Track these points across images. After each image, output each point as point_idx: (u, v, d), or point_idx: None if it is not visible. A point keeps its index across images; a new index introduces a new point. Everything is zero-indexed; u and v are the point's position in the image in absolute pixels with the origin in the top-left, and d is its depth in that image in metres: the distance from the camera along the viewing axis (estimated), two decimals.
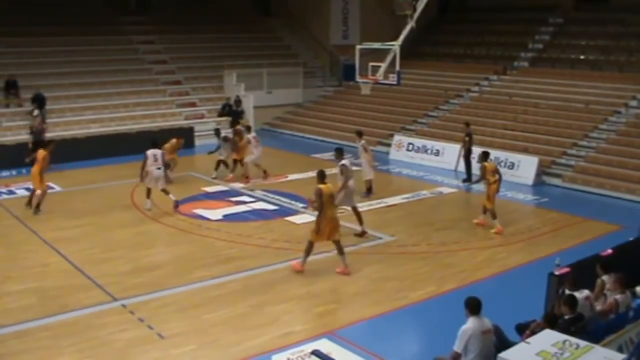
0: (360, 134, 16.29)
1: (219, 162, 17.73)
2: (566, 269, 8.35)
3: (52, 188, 16.72)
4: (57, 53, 24.01)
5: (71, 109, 22.39)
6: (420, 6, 16.95)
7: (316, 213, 10.98)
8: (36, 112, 20.18)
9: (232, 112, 24.38)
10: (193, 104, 25.11)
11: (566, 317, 7.11)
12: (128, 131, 21.61)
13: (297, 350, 8.26)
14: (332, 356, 7.87)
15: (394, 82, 17.53)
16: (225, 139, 17.74)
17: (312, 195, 11.00)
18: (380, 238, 13.02)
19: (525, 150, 18.89)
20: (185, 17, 28.44)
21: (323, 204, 10.73)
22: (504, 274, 11.20)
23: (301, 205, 14.95)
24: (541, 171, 17.89)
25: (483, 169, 13.49)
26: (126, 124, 22.46)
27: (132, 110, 23.32)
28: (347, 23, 29.72)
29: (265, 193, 16.34)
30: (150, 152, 14.61)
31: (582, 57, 23.63)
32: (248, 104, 25.03)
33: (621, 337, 6.82)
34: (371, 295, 10.21)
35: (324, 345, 8.31)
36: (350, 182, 12.98)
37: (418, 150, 20.82)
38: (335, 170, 13.52)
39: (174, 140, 17.76)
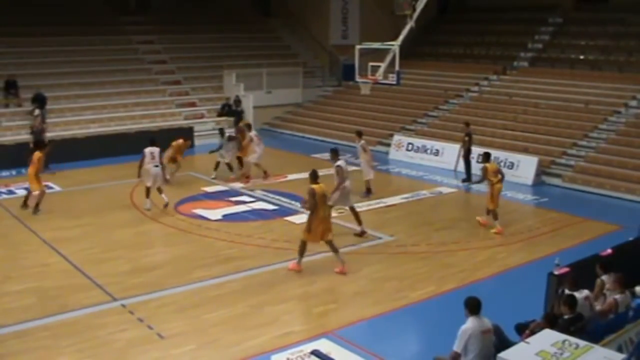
0: (360, 134, 16.29)
1: (218, 163, 17.73)
2: (566, 269, 8.35)
3: (51, 188, 16.75)
4: (57, 53, 24.01)
5: (71, 109, 22.40)
6: (419, 6, 16.95)
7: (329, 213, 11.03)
8: (37, 111, 20.17)
9: (232, 112, 24.42)
10: (193, 104, 25.11)
11: (566, 317, 7.11)
12: (127, 131, 21.61)
13: (297, 350, 8.26)
14: (332, 356, 7.87)
15: (394, 82, 17.52)
16: (230, 138, 17.74)
17: (306, 195, 11.02)
18: (379, 238, 13.02)
19: (525, 150, 18.89)
20: (185, 17, 28.43)
21: (316, 203, 10.74)
22: (504, 274, 11.20)
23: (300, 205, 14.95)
24: (541, 171, 17.89)
25: (484, 170, 13.46)
26: (126, 124, 22.46)
27: (131, 110, 23.32)
28: (346, 23, 29.72)
29: (265, 193, 16.34)
30: (148, 150, 14.64)
31: (582, 57, 23.63)
32: (248, 104, 25.04)
33: (621, 337, 6.82)
34: (371, 295, 10.21)
35: (324, 345, 8.31)
36: (347, 183, 12.95)
37: (418, 150, 20.82)
38: (332, 171, 13.50)
39: (180, 141, 17.68)
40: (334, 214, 13.29)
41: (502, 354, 6.05)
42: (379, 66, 17.19)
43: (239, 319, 9.34)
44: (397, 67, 17.05)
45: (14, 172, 18.16)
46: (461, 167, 18.35)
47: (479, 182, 14.03)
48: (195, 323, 9.16)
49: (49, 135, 19.66)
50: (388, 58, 16.97)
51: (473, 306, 6.71)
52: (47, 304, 9.75)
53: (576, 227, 13.79)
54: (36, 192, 14.48)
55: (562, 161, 18.47)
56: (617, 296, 7.84)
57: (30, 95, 21.17)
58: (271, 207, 15.20)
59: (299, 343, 8.48)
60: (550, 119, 20.46)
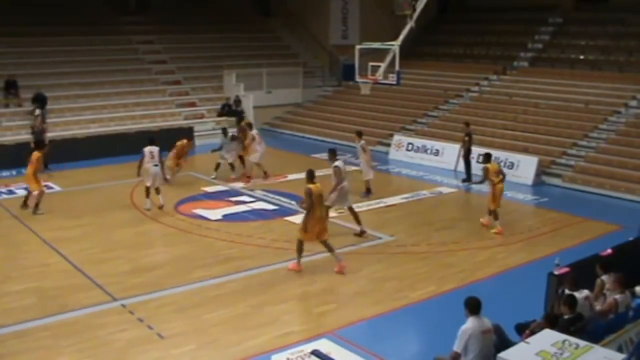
0: (359, 134, 16.29)
1: (218, 164, 17.71)
2: (566, 269, 8.35)
3: (51, 188, 16.76)
4: (57, 53, 24.02)
5: (71, 109, 22.40)
6: (419, 6, 16.93)
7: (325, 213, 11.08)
8: (37, 111, 20.17)
9: (232, 112, 24.43)
10: (193, 104, 25.12)
11: (566, 317, 7.11)
12: (127, 131, 21.61)
13: (297, 350, 8.26)
14: (332, 356, 7.87)
15: (394, 82, 17.51)
16: (233, 137, 17.75)
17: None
18: (379, 238, 13.02)
19: (525, 150, 18.89)
20: (185, 17, 28.43)
21: (312, 203, 10.75)
22: (504, 274, 11.19)
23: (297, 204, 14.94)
24: (541, 171, 17.89)
25: (486, 171, 13.43)
26: (126, 124, 22.47)
27: (131, 110, 23.33)
28: (346, 23, 29.71)
29: (265, 193, 16.34)
30: (147, 149, 14.66)
31: (582, 57, 23.62)
32: (248, 104, 25.04)
33: (621, 336, 6.82)
34: (371, 295, 10.21)
35: (324, 345, 8.31)
36: (344, 183, 12.93)
37: (418, 150, 20.82)
38: (331, 171, 13.48)
39: (184, 141, 17.65)
40: (333, 214, 13.33)
41: (502, 354, 6.05)
42: (379, 66, 17.18)
43: (239, 319, 9.34)
44: (397, 67, 17.03)
45: (14, 172, 18.15)
46: (461, 167, 18.35)
47: (480, 182, 14.00)
48: (195, 323, 9.17)
49: (49, 135, 19.67)
50: (388, 58, 16.97)
51: (473, 306, 6.71)
52: (47, 304, 9.75)
53: (576, 227, 13.79)
54: (35, 192, 14.48)
55: (562, 161, 18.46)
56: (617, 296, 7.85)
57: (31, 95, 21.18)
58: (271, 207, 15.20)
59: (299, 343, 8.48)
60: (550, 119, 20.46)
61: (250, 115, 24.51)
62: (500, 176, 13.33)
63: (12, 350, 8.40)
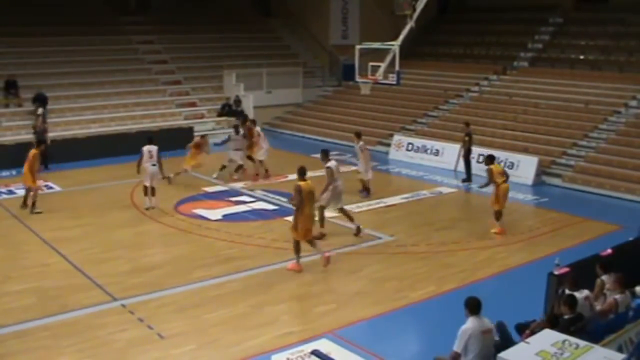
0: (358, 136, 16.29)
1: (224, 166, 17.70)
2: (566, 269, 8.35)
3: (51, 188, 16.78)
4: (57, 53, 24.02)
5: (71, 109, 22.41)
6: (419, 6, 16.95)
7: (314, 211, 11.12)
8: (40, 110, 20.17)
9: (232, 112, 24.44)
10: (193, 104, 25.12)
11: (566, 317, 7.11)
12: (128, 131, 21.61)
13: (297, 350, 8.26)
14: (332, 356, 7.87)
15: (394, 82, 17.52)
16: (245, 135, 17.81)
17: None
18: (379, 238, 13.02)
19: (525, 150, 18.89)
20: (185, 17, 28.43)
21: (302, 200, 10.79)
22: (504, 274, 11.19)
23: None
24: (541, 171, 17.89)
25: (490, 172, 13.37)
26: (126, 124, 22.47)
27: (131, 110, 23.33)
28: (346, 23, 29.71)
29: (265, 193, 16.34)
30: (146, 149, 14.69)
31: (582, 57, 23.62)
32: (248, 104, 25.03)
33: (621, 337, 6.82)
34: (371, 295, 10.20)
35: (324, 345, 8.31)
36: (339, 183, 12.96)
37: (418, 150, 20.83)
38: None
39: (197, 139, 17.62)
40: (332, 214, 13.33)
41: (502, 354, 6.05)
42: (379, 66, 17.20)
43: (239, 319, 9.34)
44: (397, 67, 17.05)
45: (14, 172, 18.14)
46: (461, 167, 18.35)
47: (486, 185, 13.84)
48: (195, 323, 9.17)
49: (49, 135, 19.64)
50: (388, 58, 16.98)
51: (473, 306, 6.71)
52: (47, 304, 9.75)
53: (576, 227, 13.79)
54: (31, 193, 14.50)
55: (562, 161, 18.47)
56: (617, 296, 7.84)
57: (31, 95, 21.19)
58: (271, 207, 15.20)
59: (299, 343, 8.48)
60: (550, 119, 20.46)
61: (250, 115, 24.44)
62: (504, 177, 13.32)
63: (12, 350, 8.40)
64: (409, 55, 25.57)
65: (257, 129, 18.11)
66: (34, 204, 14.50)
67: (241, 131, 17.84)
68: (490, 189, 13.48)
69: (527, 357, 5.93)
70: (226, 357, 8.31)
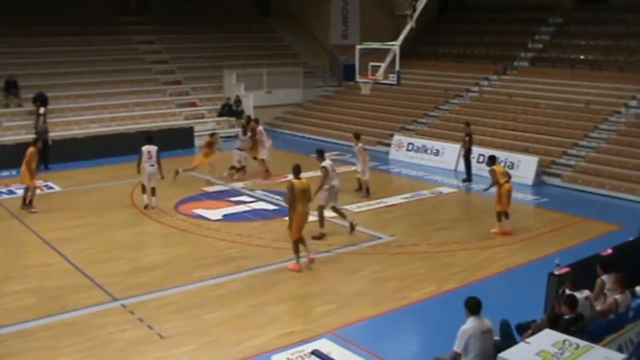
0: (357, 137, 16.30)
1: (234, 166, 17.71)
2: (566, 269, 8.35)
3: (51, 188, 16.78)
4: (57, 53, 24.02)
5: (71, 109, 22.42)
6: (420, 6, 16.94)
7: (308, 209, 11.17)
8: (42, 109, 20.17)
9: (232, 112, 24.45)
10: (193, 104, 25.12)
11: (566, 317, 7.11)
12: (128, 131, 21.60)
13: (297, 350, 8.25)
14: (332, 356, 7.88)
15: (394, 82, 17.51)
16: (250, 136, 17.83)
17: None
18: (380, 238, 13.02)
19: (525, 150, 18.89)
20: (185, 17, 28.43)
21: (294, 197, 10.83)
22: (504, 274, 11.19)
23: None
24: (541, 171, 17.89)
25: (493, 173, 13.33)
26: (126, 124, 22.48)
27: (131, 110, 23.34)
28: (346, 23, 29.69)
29: (265, 193, 16.34)
30: (145, 148, 14.66)
31: (582, 57, 23.61)
32: (248, 104, 25.03)
33: (621, 337, 6.81)
34: (371, 295, 10.20)
35: (324, 345, 8.31)
36: (335, 182, 12.99)
37: (418, 150, 20.82)
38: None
39: (208, 139, 17.50)
40: (332, 214, 13.33)
41: (502, 354, 6.05)
42: (379, 66, 17.19)
43: (239, 319, 9.34)
44: (397, 67, 17.04)
45: (14, 172, 18.03)
46: (461, 167, 18.35)
47: (491, 186, 13.76)
48: (195, 323, 9.17)
49: (50, 135, 19.63)
50: (388, 58, 16.98)
51: (473, 306, 6.71)
52: (47, 304, 9.74)
53: (576, 227, 13.79)
54: (29, 193, 14.51)
55: (562, 161, 18.46)
56: (618, 296, 7.84)
57: (31, 95, 21.18)
58: (271, 207, 15.19)
59: (299, 343, 8.47)
60: (550, 119, 20.46)
61: (250, 116, 24.52)
62: (507, 177, 13.30)
63: (13, 350, 8.40)
64: (409, 55, 25.53)
65: (260, 128, 18.19)
66: (30, 202, 14.53)
67: (249, 133, 17.86)
68: (493, 189, 13.46)
69: (528, 357, 5.93)
70: (226, 357, 8.31)
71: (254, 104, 25.16)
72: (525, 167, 17.80)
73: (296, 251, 11.07)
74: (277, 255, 11.80)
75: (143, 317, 9.32)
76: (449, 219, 14.54)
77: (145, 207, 14.67)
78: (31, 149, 14.58)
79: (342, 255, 11.98)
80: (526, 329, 7.28)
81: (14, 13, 24.40)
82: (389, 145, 21.84)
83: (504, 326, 7.25)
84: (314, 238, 12.53)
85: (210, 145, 17.30)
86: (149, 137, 15.22)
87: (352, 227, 13.05)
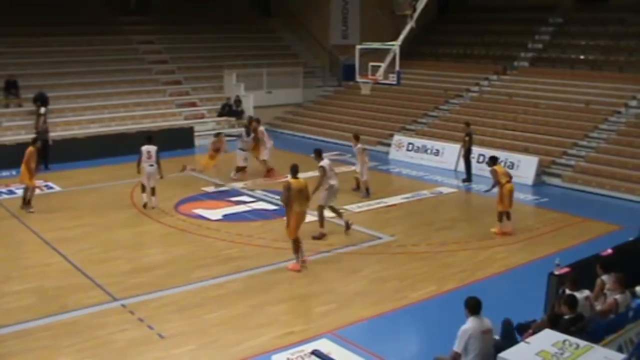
0: (357, 138, 16.30)
1: (238, 167, 17.71)
2: (566, 269, 8.35)
3: (51, 188, 16.78)
4: (58, 53, 24.02)
5: (71, 109, 22.42)
6: (420, 6, 16.95)
7: (305, 209, 11.20)
8: (43, 109, 20.17)
9: (232, 112, 24.45)
10: (193, 104, 25.12)
11: (566, 317, 7.11)
12: (128, 131, 21.60)
13: (297, 350, 8.26)
14: (332, 356, 7.88)
15: (394, 82, 17.52)
16: (253, 137, 17.84)
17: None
18: (380, 238, 13.01)
19: (525, 150, 18.88)
20: (185, 17, 28.43)
21: (289, 197, 10.87)
22: (504, 274, 11.19)
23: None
24: (541, 171, 17.88)
25: (495, 173, 13.31)
26: (126, 124, 22.48)
27: (132, 110, 23.34)
28: (346, 23, 29.69)
29: (265, 193, 16.34)
30: (144, 148, 14.65)
31: (582, 57, 23.61)
32: (248, 104, 25.04)
33: (621, 337, 6.81)
34: (371, 295, 10.20)
35: (324, 345, 8.31)
36: (334, 182, 13.00)
37: (418, 150, 20.82)
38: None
39: (214, 140, 17.28)
40: (332, 214, 13.33)
41: (502, 354, 6.05)
42: (379, 66, 17.20)
43: (239, 319, 9.34)
44: (397, 67, 17.05)
45: (14, 172, 18.02)
46: (461, 167, 18.34)
47: (493, 187, 13.72)
48: (195, 323, 9.17)
49: (50, 135, 19.64)
50: (388, 58, 16.98)
51: (473, 306, 6.71)
52: (47, 304, 9.75)
53: (576, 227, 13.78)
54: (28, 193, 14.51)
55: (563, 161, 18.46)
56: (618, 296, 7.84)
57: (31, 95, 21.18)
58: (271, 207, 15.19)
59: (300, 343, 8.47)
60: (550, 119, 20.46)
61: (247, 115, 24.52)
62: (508, 177, 13.30)
63: (13, 350, 8.40)
64: (409, 55, 25.52)
65: (262, 128, 18.21)
66: (29, 201, 14.52)
67: (252, 134, 17.85)
68: (495, 190, 13.45)
69: (528, 357, 5.93)
70: (226, 357, 8.31)
71: (254, 104, 25.17)
72: (525, 167, 17.80)
73: (296, 251, 11.08)
74: (277, 255, 11.80)
75: (143, 317, 9.32)
76: (449, 219, 14.54)
77: (144, 206, 14.69)
78: (30, 149, 14.59)
79: (342, 255, 11.98)
80: (526, 329, 7.27)
81: (14, 13, 24.40)
82: (389, 145, 21.83)
83: (506, 325, 7.25)
84: (314, 238, 12.54)
85: (217, 149, 17.03)
86: (148, 137, 15.22)
87: (348, 226, 13.08)
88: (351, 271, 11.17)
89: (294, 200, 10.93)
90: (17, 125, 20.80)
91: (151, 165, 14.59)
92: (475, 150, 18.02)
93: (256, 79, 26.56)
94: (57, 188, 16.89)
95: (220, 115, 24.64)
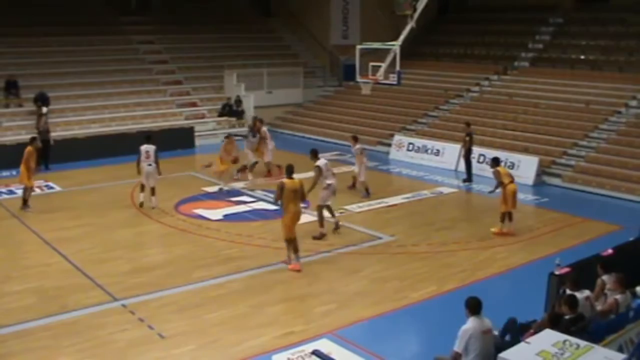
0: (355, 139, 16.30)
1: (245, 166, 17.69)
2: (567, 269, 8.35)
3: (52, 188, 16.78)
4: (58, 53, 24.02)
5: (71, 109, 22.42)
6: (420, 6, 16.95)
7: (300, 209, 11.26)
8: (44, 109, 20.15)
9: (233, 112, 24.45)
10: (193, 104, 25.12)
11: (567, 317, 7.11)
12: (128, 131, 21.59)
13: (297, 350, 8.26)
14: (332, 356, 7.88)
15: (394, 82, 17.51)
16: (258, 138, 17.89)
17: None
18: (380, 238, 13.02)
19: (525, 150, 18.88)
20: (185, 17, 28.44)
21: (281, 196, 10.90)
22: (505, 274, 11.19)
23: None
24: (541, 171, 17.88)
25: (497, 174, 13.30)
26: (126, 124, 22.48)
27: (132, 110, 23.34)
28: (347, 23, 29.68)
29: (265, 193, 16.33)
30: (143, 148, 14.66)
31: (582, 57, 23.61)
32: (248, 104, 25.04)
33: (621, 337, 6.81)
34: (371, 295, 10.20)
35: (324, 345, 8.32)
36: (332, 181, 13.04)
37: (418, 150, 20.82)
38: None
39: (225, 142, 16.92)
40: (327, 214, 13.32)
41: (502, 354, 6.05)
42: (379, 66, 17.20)
43: (239, 319, 9.34)
44: (397, 67, 17.05)
45: (14, 172, 18.02)
46: (462, 167, 18.34)
47: (496, 187, 13.64)
48: (195, 323, 9.17)
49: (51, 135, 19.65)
50: (389, 58, 16.98)
51: (473, 306, 6.71)
52: (47, 304, 9.75)
53: (577, 227, 13.78)
54: (27, 193, 14.52)
55: (563, 161, 18.45)
56: (618, 296, 7.84)
57: (31, 95, 21.18)
58: (271, 207, 15.17)
59: (300, 343, 8.48)
60: (550, 119, 20.45)
61: (251, 116, 24.52)
62: (510, 178, 13.29)
63: (13, 350, 8.40)
64: (410, 55, 25.53)
65: (264, 128, 18.22)
66: (26, 201, 14.51)
67: (258, 135, 17.84)
68: (498, 190, 13.44)
69: (528, 357, 5.93)
70: (226, 357, 8.31)
71: (255, 104, 25.18)
72: (525, 167, 17.79)
73: (295, 251, 11.07)
74: (277, 255, 11.79)
75: (143, 317, 9.32)
76: (449, 219, 14.54)
77: (141, 205, 14.68)
78: (29, 148, 14.60)
79: (342, 255, 11.98)
80: (527, 329, 7.27)
81: (14, 13, 24.40)
82: (389, 145, 21.83)
83: (511, 324, 7.24)
84: (315, 238, 12.55)
85: (229, 152, 16.71)
86: (147, 136, 15.22)
87: (337, 226, 13.11)
88: (351, 271, 11.17)
89: (288, 200, 10.93)
90: (17, 125, 20.80)
91: (149, 165, 14.59)
92: (476, 150, 18.02)
93: (256, 79, 26.57)
94: (57, 188, 16.89)
95: (220, 115, 24.64)
